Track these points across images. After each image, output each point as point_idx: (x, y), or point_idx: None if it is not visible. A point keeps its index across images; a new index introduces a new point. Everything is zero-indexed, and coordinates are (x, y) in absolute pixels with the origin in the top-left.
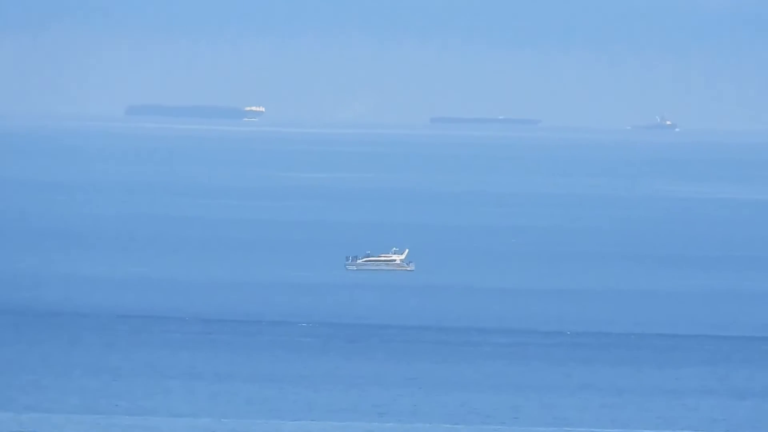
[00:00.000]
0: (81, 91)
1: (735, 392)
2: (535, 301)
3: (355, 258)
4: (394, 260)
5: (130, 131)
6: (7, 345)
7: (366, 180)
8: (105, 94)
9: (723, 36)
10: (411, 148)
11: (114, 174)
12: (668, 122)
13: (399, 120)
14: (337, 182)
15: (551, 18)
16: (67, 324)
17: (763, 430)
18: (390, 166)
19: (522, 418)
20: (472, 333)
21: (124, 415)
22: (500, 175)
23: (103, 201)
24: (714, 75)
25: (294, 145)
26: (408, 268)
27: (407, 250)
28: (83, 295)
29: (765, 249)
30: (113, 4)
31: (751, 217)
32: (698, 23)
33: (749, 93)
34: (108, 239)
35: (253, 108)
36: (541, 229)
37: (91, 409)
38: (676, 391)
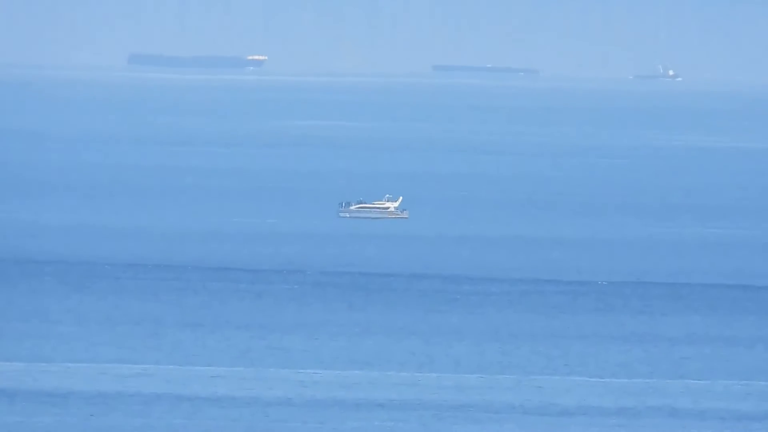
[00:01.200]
0: (82, 40)
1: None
2: (532, 249)
3: (348, 204)
4: (388, 207)
5: (132, 81)
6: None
7: (364, 129)
8: (107, 43)
9: None
10: (412, 96)
11: (112, 124)
12: (671, 72)
13: (401, 68)
14: (335, 130)
15: None
16: (65, 271)
17: None
18: (390, 115)
19: (521, 366)
20: (470, 282)
21: (123, 364)
22: (498, 124)
23: (98, 150)
24: (718, 24)
25: (292, 93)
26: (402, 216)
27: (401, 198)
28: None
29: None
30: None
31: (756, 167)
32: None
33: (755, 43)
34: (96, 188)
35: (256, 57)
36: (537, 178)
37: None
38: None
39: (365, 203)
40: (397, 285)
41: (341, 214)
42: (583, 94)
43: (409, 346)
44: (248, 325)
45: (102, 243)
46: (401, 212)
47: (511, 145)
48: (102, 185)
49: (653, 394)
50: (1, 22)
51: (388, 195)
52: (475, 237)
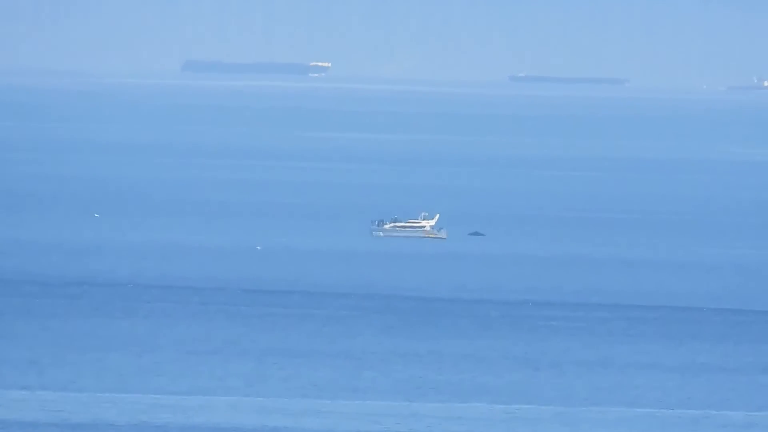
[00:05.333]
0: (134, 46)
1: None
2: (587, 272)
3: (382, 223)
4: (423, 226)
5: (186, 89)
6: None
7: (421, 142)
8: (160, 49)
9: None
10: (487, 108)
11: (163, 134)
12: (766, 83)
13: (474, 78)
14: (390, 144)
15: None
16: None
17: None
18: (453, 128)
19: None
20: (512, 306)
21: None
22: (578, 137)
23: (148, 162)
24: None
25: (351, 103)
26: (439, 236)
27: (438, 216)
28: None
29: None
30: None
31: None
32: None
33: None
34: (118, 203)
35: (319, 63)
36: (601, 195)
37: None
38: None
39: (400, 221)
40: (440, 309)
41: (375, 233)
42: (671, 105)
43: (470, 376)
44: (297, 351)
45: (119, 261)
46: (438, 231)
47: (580, 160)
48: (125, 200)
49: None
50: (49, 29)
51: (424, 213)
52: (530, 257)
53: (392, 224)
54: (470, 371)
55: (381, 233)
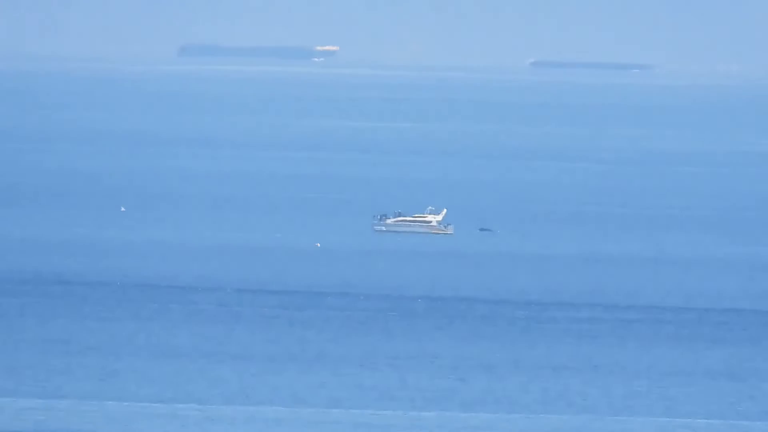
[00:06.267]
0: (129, 31)
1: None
2: (596, 271)
3: (385, 217)
4: (430, 222)
5: (182, 74)
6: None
7: (432, 131)
8: (154, 34)
9: None
10: (505, 95)
11: (146, 124)
12: None
13: (493, 64)
14: (400, 132)
15: None
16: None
17: None
18: (466, 115)
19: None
20: (523, 307)
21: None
22: (595, 126)
23: (134, 153)
24: None
25: (359, 90)
26: (446, 231)
27: (445, 211)
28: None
29: None
30: None
31: None
32: None
33: None
34: (105, 197)
35: (326, 47)
36: (618, 188)
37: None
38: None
39: (404, 216)
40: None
41: (376, 228)
42: (703, 92)
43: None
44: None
45: (113, 259)
46: (445, 227)
47: (598, 150)
48: (112, 192)
49: None
50: (44, 14)
51: (430, 207)
52: (541, 256)
53: (396, 219)
54: (483, 379)
55: (383, 228)
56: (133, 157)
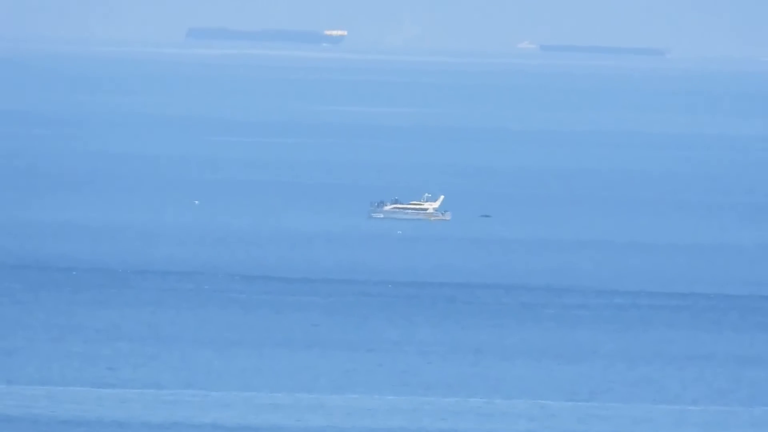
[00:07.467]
0: (135, 13)
1: None
2: (604, 256)
3: (382, 204)
4: (426, 208)
5: (190, 58)
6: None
7: (434, 116)
8: (162, 16)
9: None
10: (514, 78)
11: (162, 106)
12: None
13: (502, 48)
14: (404, 118)
15: None
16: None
17: None
18: (471, 100)
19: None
20: (521, 292)
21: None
22: (599, 111)
23: (125, 136)
24: None
25: (365, 74)
26: (443, 218)
27: (442, 197)
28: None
29: None
30: None
31: None
32: None
33: None
34: (111, 185)
35: (334, 32)
36: (621, 174)
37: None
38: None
39: (400, 202)
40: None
41: (374, 215)
42: (717, 77)
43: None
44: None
45: (115, 245)
46: (442, 214)
47: (602, 134)
48: (120, 179)
49: None
50: None
51: (427, 194)
52: (536, 242)
53: (393, 206)
54: (482, 364)
55: (381, 215)
56: (129, 139)
